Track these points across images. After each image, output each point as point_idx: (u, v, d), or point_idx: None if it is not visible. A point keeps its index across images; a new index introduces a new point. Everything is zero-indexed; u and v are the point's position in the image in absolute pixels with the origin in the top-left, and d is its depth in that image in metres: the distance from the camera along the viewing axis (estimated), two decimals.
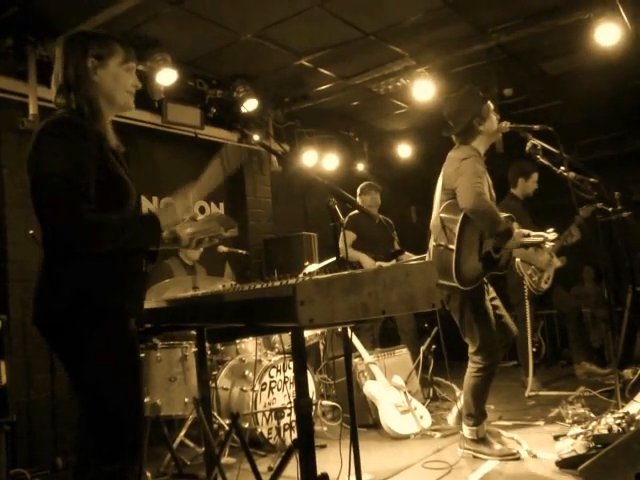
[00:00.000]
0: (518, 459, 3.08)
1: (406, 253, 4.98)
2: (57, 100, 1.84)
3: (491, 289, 3.39)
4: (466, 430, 3.22)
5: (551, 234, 3.48)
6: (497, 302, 3.39)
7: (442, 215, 3.17)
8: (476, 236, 3.13)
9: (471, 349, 3.22)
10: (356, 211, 4.83)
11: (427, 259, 3.34)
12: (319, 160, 6.28)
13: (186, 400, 3.64)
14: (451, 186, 3.17)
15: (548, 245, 3.49)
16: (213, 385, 3.73)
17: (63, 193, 1.64)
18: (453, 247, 3.05)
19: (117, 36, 1.93)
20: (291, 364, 3.67)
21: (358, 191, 5.32)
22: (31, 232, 3.41)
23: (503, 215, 3.23)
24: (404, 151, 6.87)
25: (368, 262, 4.77)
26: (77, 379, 1.75)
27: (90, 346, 1.69)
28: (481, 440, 3.17)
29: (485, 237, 3.15)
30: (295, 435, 3.60)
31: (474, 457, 3.16)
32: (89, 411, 1.74)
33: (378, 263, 4.62)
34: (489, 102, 3.32)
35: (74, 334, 1.69)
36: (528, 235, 3.33)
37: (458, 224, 3.05)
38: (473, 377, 3.20)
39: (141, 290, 1.94)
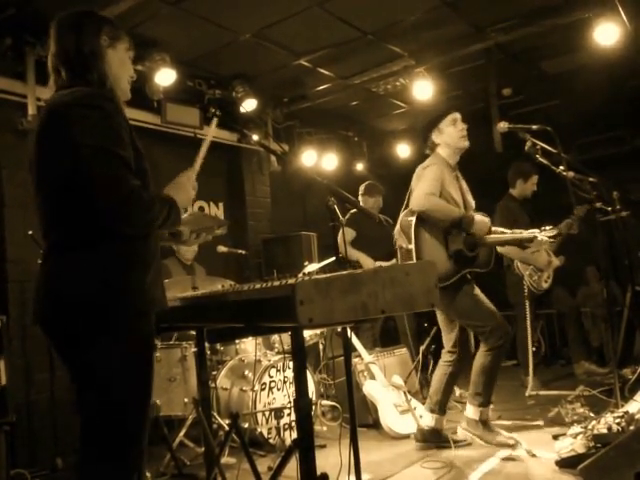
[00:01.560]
0: (514, 449, 3.13)
1: None
2: (64, 74, 1.74)
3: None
4: (470, 410, 3.26)
5: (547, 231, 3.49)
6: None
7: (401, 218, 3.35)
8: (438, 235, 3.23)
9: (483, 335, 3.26)
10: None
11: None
12: (318, 160, 6.28)
13: (186, 400, 3.65)
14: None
15: (543, 240, 3.50)
16: (213, 385, 3.73)
17: (109, 166, 1.55)
18: (411, 247, 3.17)
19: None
20: (291, 364, 3.67)
21: (362, 190, 5.26)
22: (30, 232, 3.41)
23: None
24: (403, 151, 6.87)
25: (368, 262, 4.76)
26: (86, 377, 1.66)
27: (104, 345, 1.61)
28: (483, 423, 3.21)
29: (450, 235, 3.23)
30: (295, 435, 3.59)
31: (471, 440, 3.24)
32: (96, 409, 1.65)
33: (378, 263, 4.62)
34: (450, 114, 3.40)
35: (94, 328, 1.59)
36: (520, 232, 3.38)
37: (412, 225, 3.21)
38: (485, 356, 3.26)
39: (161, 281, 1.85)
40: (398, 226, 3.38)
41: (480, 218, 3.25)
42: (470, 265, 3.28)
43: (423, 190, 3.20)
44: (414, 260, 3.15)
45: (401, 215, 3.40)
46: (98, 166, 1.56)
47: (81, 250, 1.63)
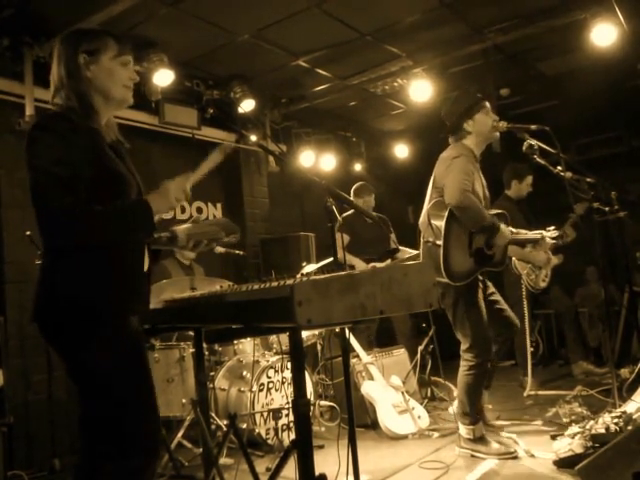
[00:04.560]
0: (516, 458, 3.08)
1: (402, 249, 4.99)
2: (54, 100, 1.84)
3: (490, 284, 3.40)
4: (463, 429, 3.22)
5: (551, 232, 3.49)
6: (497, 297, 3.41)
7: (429, 212, 3.23)
8: (464, 232, 3.16)
9: (463, 346, 3.24)
10: (350, 212, 4.82)
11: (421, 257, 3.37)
12: (316, 160, 6.28)
13: (184, 401, 3.64)
14: (441, 184, 3.22)
15: (548, 242, 3.50)
16: (211, 386, 3.72)
17: (44, 186, 1.65)
18: (440, 243, 3.09)
19: (112, 31, 1.91)
20: (289, 365, 3.67)
21: (352, 192, 5.31)
22: (28, 233, 3.40)
23: (495, 212, 3.29)
24: (401, 151, 6.88)
25: (361, 266, 4.76)
26: (79, 380, 1.71)
27: (90, 347, 1.67)
28: (478, 439, 3.17)
29: (475, 233, 3.18)
30: (293, 435, 3.59)
31: (472, 456, 3.16)
32: (98, 412, 1.70)
33: (371, 265, 4.62)
34: (483, 102, 3.34)
35: (72, 335, 1.67)
36: (526, 233, 3.36)
37: (444, 220, 3.10)
38: (465, 375, 3.22)
39: (143, 288, 1.88)
40: (425, 219, 3.25)
41: (504, 228, 3.18)
42: (487, 264, 3.24)
43: (458, 185, 3.06)
44: (441, 256, 3.06)
45: (427, 207, 3.27)
46: (35, 185, 1.68)
47: (51, 264, 1.72)
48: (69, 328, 1.68)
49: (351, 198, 5.24)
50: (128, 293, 1.78)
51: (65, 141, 1.69)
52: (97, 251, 1.71)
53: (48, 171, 1.65)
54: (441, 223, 3.11)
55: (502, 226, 3.19)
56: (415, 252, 4.38)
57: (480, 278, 3.27)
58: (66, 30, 1.92)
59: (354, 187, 5.34)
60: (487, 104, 3.35)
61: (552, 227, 3.55)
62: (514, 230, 3.45)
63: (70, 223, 1.65)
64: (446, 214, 3.10)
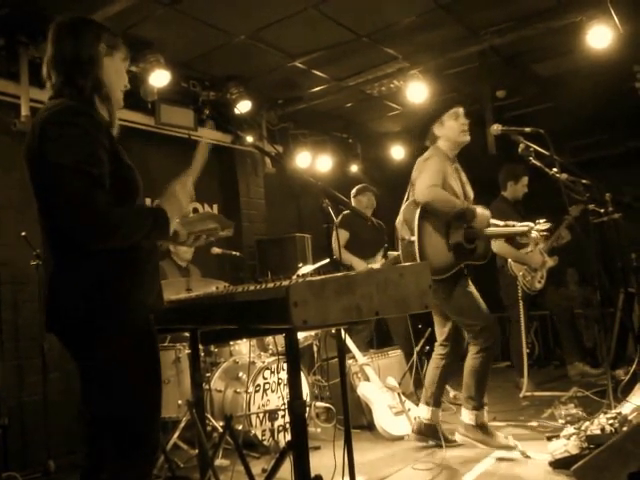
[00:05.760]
0: (513, 452, 3.11)
1: (390, 253, 5.00)
2: (55, 79, 1.74)
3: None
4: (465, 415, 3.24)
5: (542, 224, 3.51)
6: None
7: (404, 211, 3.35)
8: (440, 227, 3.24)
9: (472, 334, 3.28)
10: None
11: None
12: (313, 161, 6.29)
13: (179, 402, 3.64)
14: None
15: (535, 234, 3.51)
16: (207, 387, 3.72)
17: (78, 185, 1.56)
18: (414, 238, 3.18)
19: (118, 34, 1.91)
20: (285, 366, 3.67)
21: (354, 192, 5.32)
22: (23, 234, 3.39)
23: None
24: (398, 153, 6.89)
25: (360, 266, 4.77)
26: (94, 382, 1.69)
27: (110, 348, 1.63)
28: (480, 427, 3.20)
29: (452, 227, 3.24)
30: (289, 437, 3.59)
31: (472, 445, 3.20)
32: (106, 415, 1.68)
33: (370, 266, 4.63)
34: (455, 108, 3.40)
35: (93, 336, 1.62)
36: (513, 225, 3.41)
37: (416, 216, 3.21)
38: (474, 358, 3.27)
39: (158, 287, 1.86)
40: (401, 217, 3.37)
41: (481, 211, 3.25)
42: (468, 258, 3.29)
43: (426, 182, 3.19)
44: (416, 251, 3.15)
45: (403, 206, 3.40)
46: (66, 184, 1.57)
47: (68, 264, 1.65)
48: (90, 330, 1.63)
49: (352, 198, 5.28)
50: (149, 293, 1.76)
51: (87, 136, 1.62)
52: (118, 252, 1.66)
53: (79, 169, 1.57)
54: (414, 220, 3.21)
55: (479, 209, 3.23)
56: (396, 253, 4.41)
57: (465, 272, 3.31)
58: (69, 15, 1.85)
59: (356, 188, 5.34)
60: (458, 110, 3.41)
61: (543, 220, 3.56)
62: (501, 223, 3.50)
63: (108, 226, 1.59)
64: (418, 211, 3.21)
